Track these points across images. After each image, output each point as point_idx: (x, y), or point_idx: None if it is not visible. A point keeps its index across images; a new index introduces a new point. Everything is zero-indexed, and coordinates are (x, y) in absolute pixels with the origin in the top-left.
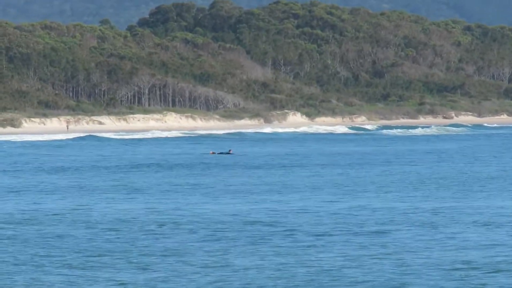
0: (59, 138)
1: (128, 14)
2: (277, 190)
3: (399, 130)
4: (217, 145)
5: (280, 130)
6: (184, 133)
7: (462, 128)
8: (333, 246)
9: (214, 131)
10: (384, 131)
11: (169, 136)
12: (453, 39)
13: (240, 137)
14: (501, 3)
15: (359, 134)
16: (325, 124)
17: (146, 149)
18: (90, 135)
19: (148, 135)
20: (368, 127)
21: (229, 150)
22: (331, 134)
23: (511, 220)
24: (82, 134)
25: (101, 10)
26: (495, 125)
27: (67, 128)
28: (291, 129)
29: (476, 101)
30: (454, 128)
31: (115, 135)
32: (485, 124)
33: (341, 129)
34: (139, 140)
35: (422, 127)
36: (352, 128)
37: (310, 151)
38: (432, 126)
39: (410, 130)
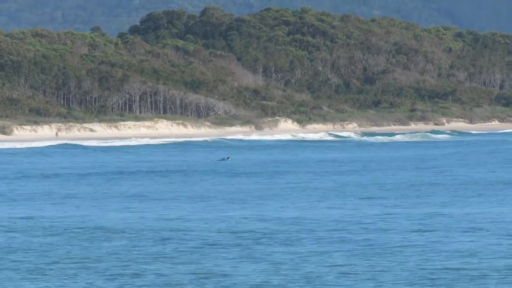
0: (38, 146)
1: (119, 21)
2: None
3: (379, 137)
4: (188, 153)
5: (268, 137)
6: (164, 141)
7: (444, 135)
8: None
9: (188, 138)
10: (364, 138)
11: (140, 144)
12: (444, 46)
13: (223, 144)
14: (492, 9)
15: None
16: (308, 132)
17: (113, 157)
18: (66, 143)
19: (127, 142)
20: (347, 134)
21: (227, 157)
22: (302, 141)
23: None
24: (60, 142)
25: (92, 18)
26: (483, 132)
27: (56, 135)
28: (277, 137)
29: (468, 107)
30: (435, 135)
31: (97, 142)
32: (473, 131)
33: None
34: (117, 147)
35: (402, 134)
36: (331, 135)
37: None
38: (407, 133)
39: (392, 137)
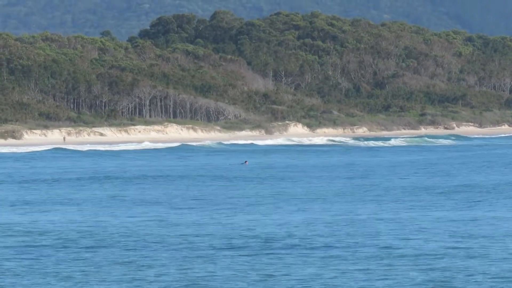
0: (31, 150)
1: (130, 25)
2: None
3: (372, 142)
4: (207, 157)
5: (260, 142)
6: (173, 145)
7: (443, 140)
8: None
9: (173, 144)
10: (352, 142)
11: (137, 148)
12: (454, 50)
13: (213, 149)
14: (502, 14)
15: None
16: (302, 136)
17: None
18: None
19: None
20: (345, 139)
21: (245, 162)
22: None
23: None
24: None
25: (102, 22)
26: (486, 136)
27: (64, 139)
28: (272, 142)
29: (478, 111)
30: (432, 140)
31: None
32: (475, 136)
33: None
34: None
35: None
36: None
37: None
38: (400, 138)
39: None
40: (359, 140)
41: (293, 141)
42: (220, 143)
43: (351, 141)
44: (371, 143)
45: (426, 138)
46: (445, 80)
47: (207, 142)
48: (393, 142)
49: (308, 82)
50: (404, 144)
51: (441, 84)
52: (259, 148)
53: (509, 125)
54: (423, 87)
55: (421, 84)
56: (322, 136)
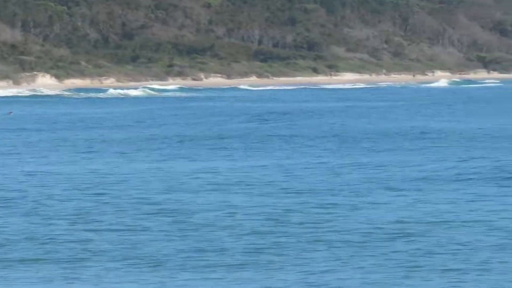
0: None
1: None
2: None
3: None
4: None
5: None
6: None
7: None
8: None
9: None
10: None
11: None
12: (204, 1)
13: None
14: None
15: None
16: (51, 87)
17: None
18: None
19: None
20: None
21: (10, 112)
22: None
23: None
24: None
25: None
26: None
27: None
28: None
29: (226, 62)
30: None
31: None
32: (202, 87)
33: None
34: None
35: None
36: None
37: None
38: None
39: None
40: (73, 92)
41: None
42: None
43: (66, 93)
44: (87, 95)
45: (147, 90)
46: (194, 32)
47: None
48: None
49: (57, 33)
50: (132, 96)
51: (189, 35)
52: None
53: (257, 76)
54: (172, 39)
55: (170, 35)
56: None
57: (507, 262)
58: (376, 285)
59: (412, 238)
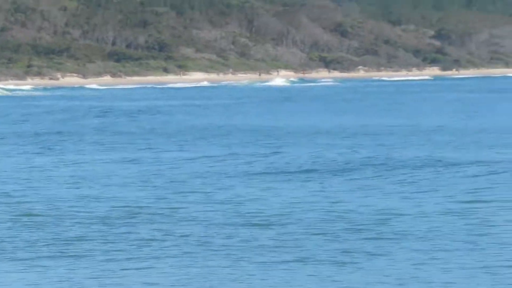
0: None
1: None
2: None
3: None
4: None
5: None
6: None
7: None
8: None
9: None
10: None
11: None
12: (61, 4)
13: None
14: None
15: None
16: None
17: None
18: None
19: None
20: None
21: None
22: None
23: None
24: None
25: None
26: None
27: None
28: None
29: (82, 63)
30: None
31: None
32: (87, 86)
33: None
34: None
35: None
36: None
37: None
38: None
39: None
40: None
41: None
42: None
43: None
44: None
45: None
46: (52, 34)
47: None
48: None
49: None
50: None
51: (47, 37)
52: None
53: (111, 76)
54: (31, 40)
55: (29, 37)
56: None
57: None
58: None
59: None
